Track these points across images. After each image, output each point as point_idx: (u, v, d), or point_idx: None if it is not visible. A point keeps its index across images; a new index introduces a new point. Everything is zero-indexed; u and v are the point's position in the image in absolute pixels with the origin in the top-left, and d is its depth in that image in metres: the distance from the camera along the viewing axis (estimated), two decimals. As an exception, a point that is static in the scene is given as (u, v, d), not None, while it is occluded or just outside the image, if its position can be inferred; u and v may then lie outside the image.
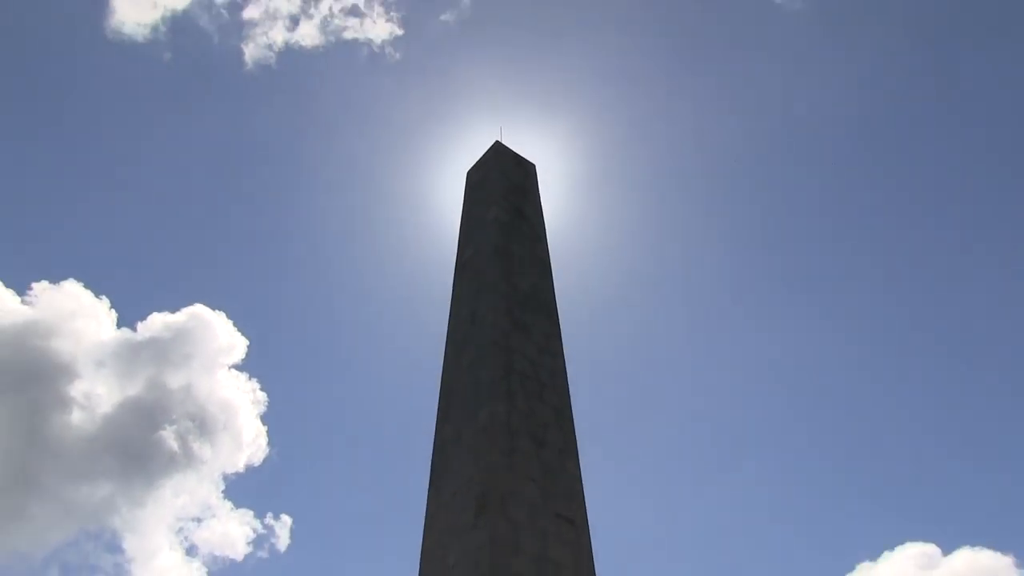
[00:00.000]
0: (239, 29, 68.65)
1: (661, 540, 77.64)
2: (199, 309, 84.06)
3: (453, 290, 20.44)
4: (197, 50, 69.39)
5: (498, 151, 22.89)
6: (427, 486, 17.23)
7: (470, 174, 23.51)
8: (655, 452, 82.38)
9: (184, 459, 73.83)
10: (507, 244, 20.02)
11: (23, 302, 74.27)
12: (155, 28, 66.24)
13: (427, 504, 16.85)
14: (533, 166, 23.44)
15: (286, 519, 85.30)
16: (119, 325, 76.97)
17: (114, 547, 75.03)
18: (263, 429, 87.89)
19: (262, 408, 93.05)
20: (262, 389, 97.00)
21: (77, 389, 72.40)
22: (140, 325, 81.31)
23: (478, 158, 23.52)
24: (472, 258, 20.34)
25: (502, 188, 21.60)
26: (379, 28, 64.54)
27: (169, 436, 71.54)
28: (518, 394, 16.91)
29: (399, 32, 64.44)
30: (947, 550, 78.75)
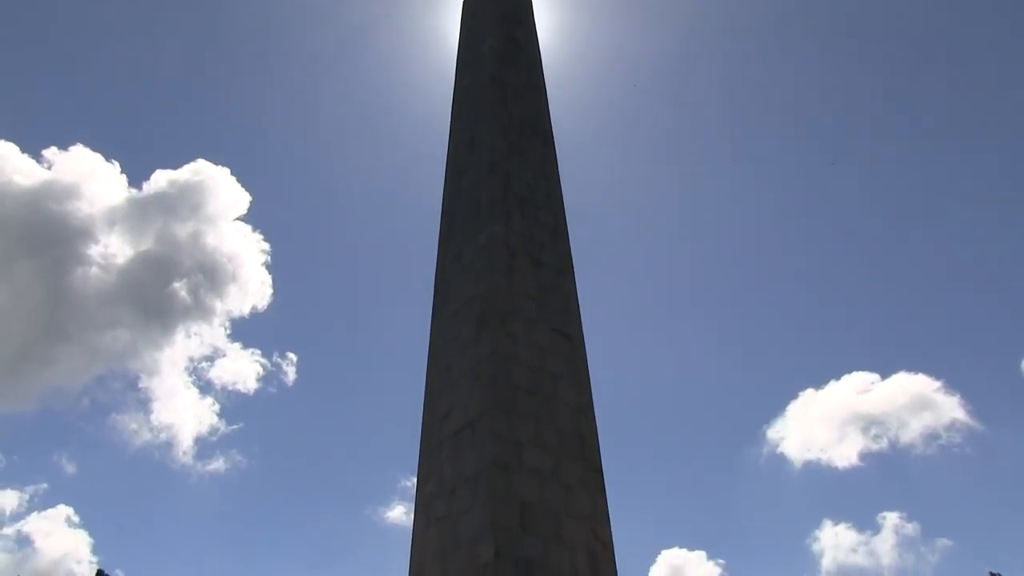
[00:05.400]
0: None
1: (652, 353, 79.72)
2: (202, 165, 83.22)
3: (452, 117, 19.97)
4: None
5: (493, -20, 21.94)
6: (429, 309, 17.38)
7: (465, 4, 22.63)
8: (642, 273, 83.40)
9: (196, 309, 74.98)
10: (502, 72, 19.41)
11: (38, 166, 73.72)
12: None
13: (431, 322, 17.00)
14: (528, -6, 22.53)
15: (292, 356, 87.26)
16: (127, 185, 76.48)
17: (136, 386, 77.27)
18: (268, 278, 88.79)
19: (266, 257, 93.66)
20: (265, 240, 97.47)
21: (94, 246, 72.87)
22: (145, 184, 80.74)
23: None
24: (469, 86, 19.79)
25: (497, 17, 20.78)
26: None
27: (182, 288, 72.44)
28: (515, 215, 16.77)
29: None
30: (887, 377, 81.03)
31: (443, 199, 18.65)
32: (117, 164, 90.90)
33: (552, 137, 19.18)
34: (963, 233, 78.47)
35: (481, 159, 17.64)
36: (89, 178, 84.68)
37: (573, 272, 17.23)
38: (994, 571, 38.10)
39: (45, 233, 65.13)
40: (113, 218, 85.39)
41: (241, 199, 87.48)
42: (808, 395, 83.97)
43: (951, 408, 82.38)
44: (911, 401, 79.60)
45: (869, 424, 78.28)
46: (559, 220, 17.71)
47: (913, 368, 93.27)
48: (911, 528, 73.00)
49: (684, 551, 79.70)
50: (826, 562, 77.14)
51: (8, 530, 63.48)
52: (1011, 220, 75.77)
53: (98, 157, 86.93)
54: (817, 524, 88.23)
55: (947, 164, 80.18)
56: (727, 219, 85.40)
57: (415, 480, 15.67)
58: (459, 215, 17.59)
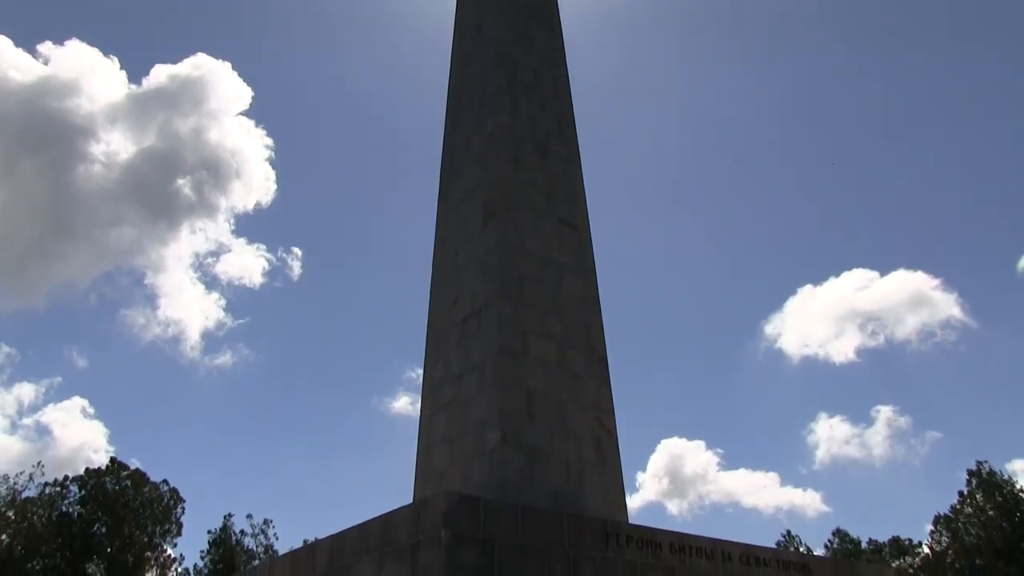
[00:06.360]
0: None
1: (656, 246, 79.78)
2: (202, 59, 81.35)
3: (457, 3, 19.33)
4: None
5: None
6: (435, 198, 17.17)
7: None
8: (645, 166, 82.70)
9: (200, 205, 74.51)
10: (509, -45, 18.67)
11: (34, 61, 71.81)
12: None
13: (437, 209, 16.81)
14: None
15: (297, 251, 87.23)
16: (127, 81, 74.65)
17: (143, 282, 77.44)
18: (272, 173, 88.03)
19: (270, 153, 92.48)
20: (268, 135, 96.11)
21: (96, 144, 71.70)
22: (145, 79, 79.04)
23: None
24: (474, -31, 19.07)
25: None
26: None
27: (185, 185, 71.84)
28: (521, 103, 16.37)
29: None
30: (886, 274, 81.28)
31: (449, 85, 18.21)
32: (116, 59, 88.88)
33: (560, 25, 18.58)
34: (965, 133, 77.43)
35: (488, 46, 17.14)
36: (88, 74, 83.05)
37: (580, 161, 16.96)
38: (981, 459, 39.05)
39: (45, 131, 64.25)
40: (114, 115, 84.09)
41: (243, 94, 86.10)
42: (807, 291, 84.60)
43: (948, 305, 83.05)
44: (909, 298, 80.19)
45: (867, 320, 78.95)
46: (566, 108, 17.32)
47: (912, 265, 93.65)
48: (903, 422, 74.64)
49: (683, 440, 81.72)
50: (820, 453, 79.09)
51: (27, 420, 64.86)
52: (1012, 122, 74.66)
53: (95, 52, 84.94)
54: (813, 417, 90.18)
55: (950, 65, 78.47)
56: (733, 114, 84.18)
57: (421, 370, 15.82)
58: (465, 102, 17.21)
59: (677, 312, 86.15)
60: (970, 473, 38.59)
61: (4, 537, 38.36)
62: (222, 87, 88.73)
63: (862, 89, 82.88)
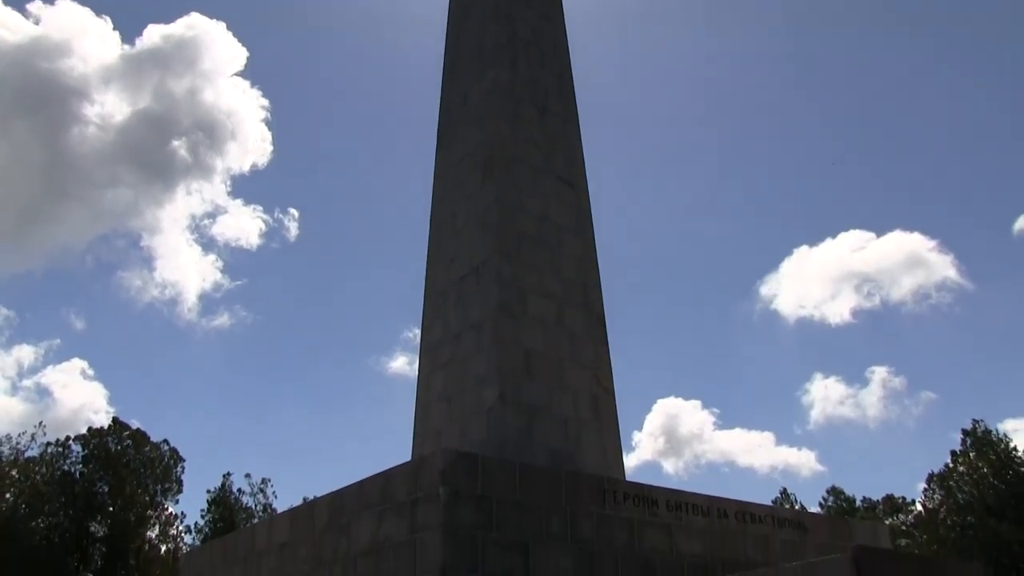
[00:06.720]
0: None
1: (652, 206, 79.58)
2: (196, 19, 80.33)
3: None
4: None
5: None
6: (433, 155, 17.01)
7: None
8: (651, 122, 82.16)
9: (196, 167, 73.93)
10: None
11: (25, 20, 70.60)
12: None
13: (435, 166, 16.66)
14: None
15: (294, 212, 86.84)
16: (120, 41, 73.50)
17: (139, 244, 77.07)
18: (268, 134, 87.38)
19: (265, 114, 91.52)
20: (264, 95, 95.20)
21: (90, 106, 70.81)
22: (138, 40, 77.95)
23: None
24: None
25: None
26: None
27: (181, 146, 71.24)
28: (521, 61, 16.15)
29: None
30: (883, 235, 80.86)
31: (447, 41, 17.98)
32: (108, 19, 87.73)
33: (558, -22, 18.29)
34: (963, 96, 76.88)
35: (487, 2, 16.87)
36: (80, 34, 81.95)
37: (578, 121, 16.80)
38: (977, 418, 39.23)
39: (38, 92, 63.43)
40: (108, 76, 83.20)
41: (238, 54, 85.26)
42: (803, 252, 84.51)
43: (944, 267, 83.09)
44: (905, 259, 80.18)
45: (862, 282, 79.02)
46: (564, 66, 17.12)
47: (909, 227, 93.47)
48: (898, 382, 74.93)
49: (680, 400, 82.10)
50: (815, 413, 79.50)
51: (27, 382, 64.99)
52: (1009, 83, 74.08)
53: (87, 12, 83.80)
54: (808, 377, 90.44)
55: (947, 27, 77.73)
56: (731, 75, 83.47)
57: (418, 331, 15.79)
58: (464, 57, 17.00)
59: (674, 272, 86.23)
60: (965, 432, 38.79)
61: (8, 496, 38.57)
62: (216, 47, 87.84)
63: (861, 49, 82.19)
